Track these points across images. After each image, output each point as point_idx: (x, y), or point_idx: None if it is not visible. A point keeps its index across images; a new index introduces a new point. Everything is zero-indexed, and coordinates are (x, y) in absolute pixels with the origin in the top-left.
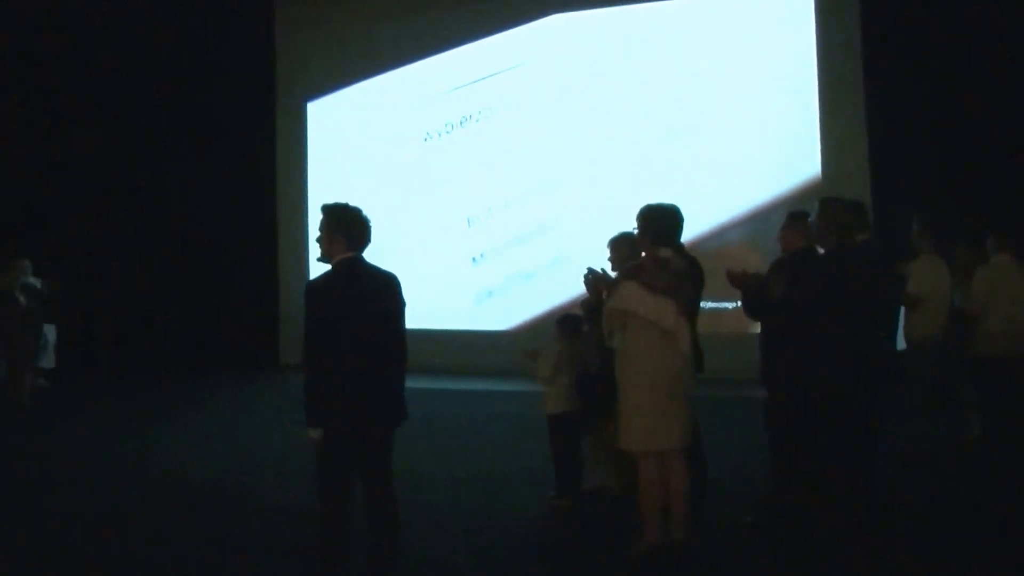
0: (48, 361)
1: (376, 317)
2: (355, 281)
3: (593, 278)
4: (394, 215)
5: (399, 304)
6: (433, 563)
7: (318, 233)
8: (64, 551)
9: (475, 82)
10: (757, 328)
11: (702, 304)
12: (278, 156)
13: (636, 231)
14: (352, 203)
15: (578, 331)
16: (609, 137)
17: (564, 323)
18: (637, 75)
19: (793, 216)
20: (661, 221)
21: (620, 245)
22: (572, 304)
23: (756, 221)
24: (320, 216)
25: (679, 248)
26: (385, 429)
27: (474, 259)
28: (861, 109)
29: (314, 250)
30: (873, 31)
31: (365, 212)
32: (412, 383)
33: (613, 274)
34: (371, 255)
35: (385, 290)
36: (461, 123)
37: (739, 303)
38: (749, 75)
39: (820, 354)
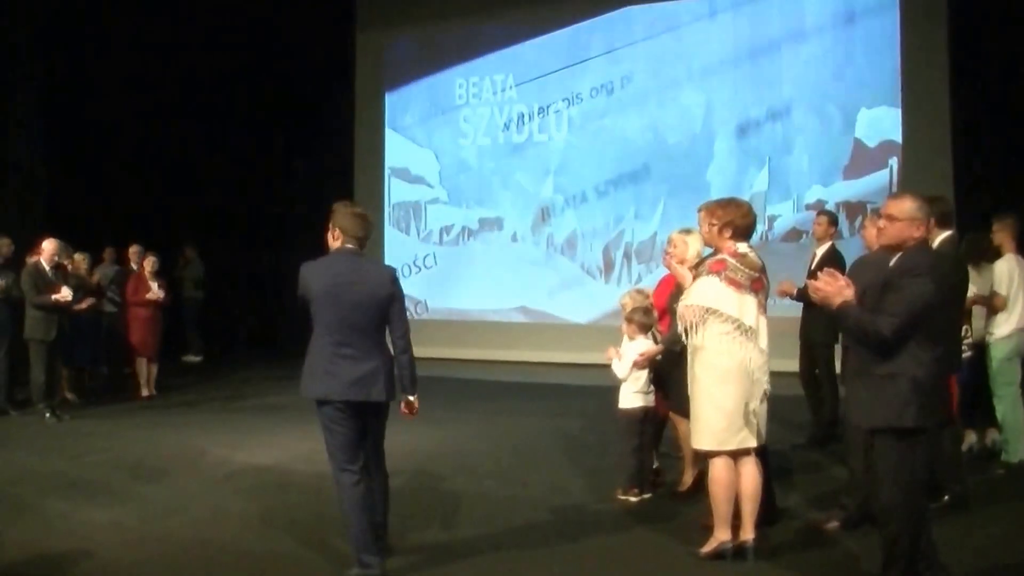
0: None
1: None
2: None
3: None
4: (470, 206)
5: None
6: (498, 555)
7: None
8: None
9: (552, 73)
10: None
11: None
12: (356, 147)
13: (710, 225)
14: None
15: (651, 325)
16: (684, 131)
17: (638, 318)
18: (713, 68)
19: (875, 213)
20: (739, 215)
21: (684, 240)
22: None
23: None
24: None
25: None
26: None
27: (549, 250)
28: (944, 100)
29: (387, 240)
30: (959, 22)
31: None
32: (487, 375)
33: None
34: (445, 247)
35: None
36: (539, 112)
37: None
38: (830, 67)
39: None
